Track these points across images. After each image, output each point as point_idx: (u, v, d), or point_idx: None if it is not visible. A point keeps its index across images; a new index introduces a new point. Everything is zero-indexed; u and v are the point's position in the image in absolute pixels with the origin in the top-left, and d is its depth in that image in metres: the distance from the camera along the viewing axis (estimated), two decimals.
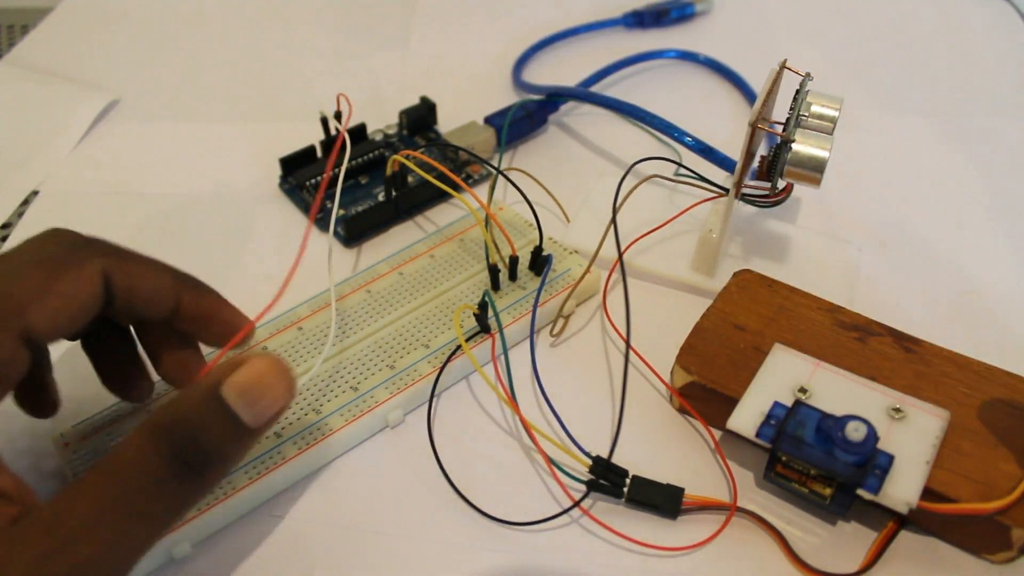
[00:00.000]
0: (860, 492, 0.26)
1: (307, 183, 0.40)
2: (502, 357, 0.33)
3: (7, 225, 0.41)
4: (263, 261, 0.39)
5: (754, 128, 0.31)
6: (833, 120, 0.33)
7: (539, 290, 0.34)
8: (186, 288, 0.27)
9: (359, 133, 0.43)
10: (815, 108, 0.33)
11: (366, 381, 0.32)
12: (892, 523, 0.28)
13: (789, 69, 0.34)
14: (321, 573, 0.28)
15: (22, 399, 0.28)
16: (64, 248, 0.25)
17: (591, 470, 0.29)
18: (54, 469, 0.30)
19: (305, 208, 0.41)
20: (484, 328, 0.33)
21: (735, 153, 0.35)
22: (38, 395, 0.28)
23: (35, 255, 0.25)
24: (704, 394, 0.30)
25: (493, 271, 0.34)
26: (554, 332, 0.35)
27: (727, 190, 0.34)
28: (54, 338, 0.24)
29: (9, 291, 0.23)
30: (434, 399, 0.32)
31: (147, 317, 0.27)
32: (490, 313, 0.33)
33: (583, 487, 0.29)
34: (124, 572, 0.22)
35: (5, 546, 0.21)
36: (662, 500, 0.28)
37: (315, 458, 0.30)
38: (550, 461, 0.29)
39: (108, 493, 0.21)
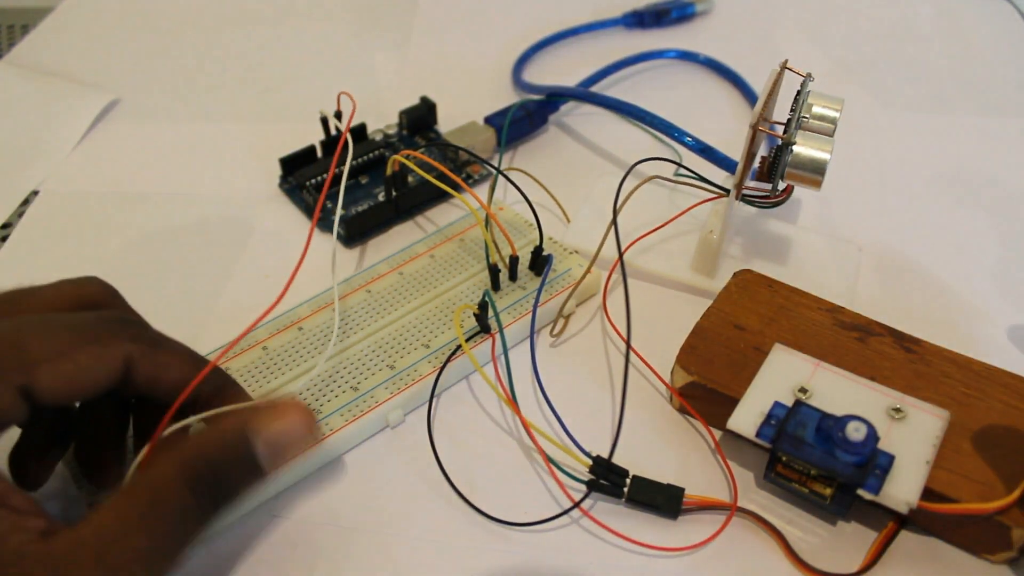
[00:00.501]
0: (860, 492, 0.26)
1: (307, 183, 0.40)
2: (502, 357, 0.33)
3: (7, 225, 0.41)
4: (263, 261, 0.39)
5: (755, 130, 0.31)
6: (834, 121, 0.32)
7: (539, 290, 0.34)
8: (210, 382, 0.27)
9: (359, 133, 0.43)
10: (816, 109, 0.33)
11: (366, 381, 0.32)
12: (892, 523, 0.28)
13: (790, 70, 0.34)
14: (321, 573, 0.28)
15: (14, 460, 0.28)
16: (98, 322, 0.25)
17: (591, 470, 0.29)
18: (54, 490, 0.30)
19: (305, 208, 0.41)
20: (484, 328, 0.33)
21: (735, 153, 0.35)
22: (27, 462, 0.28)
23: (70, 319, 0.25)
24: (704, 394, 0.30)
25: (493, 271, 0.34)
26: (554, 332, 0.35)
27: (727, 190, 0.34)
28: (57, 402, 0.24)
29: (27, 343, 0.23)
30: (434, 399, 0.32)
31: (164, 403, 0.27)
32: (490, 313, 0.33)
33: (583, 487, 0.29)
34: None
35: (51, 568, 0.21)
36: (662, 500, 0.28)
37: (315, 458, 0.30)
38: (550, 461, 0.29)
39: (153, 525, 0.22)
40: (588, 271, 0.34)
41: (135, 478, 0.24)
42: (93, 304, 0.27)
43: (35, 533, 0.21)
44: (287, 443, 0.25)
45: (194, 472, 0.23)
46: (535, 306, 0.33)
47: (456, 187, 0.36)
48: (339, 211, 0.35)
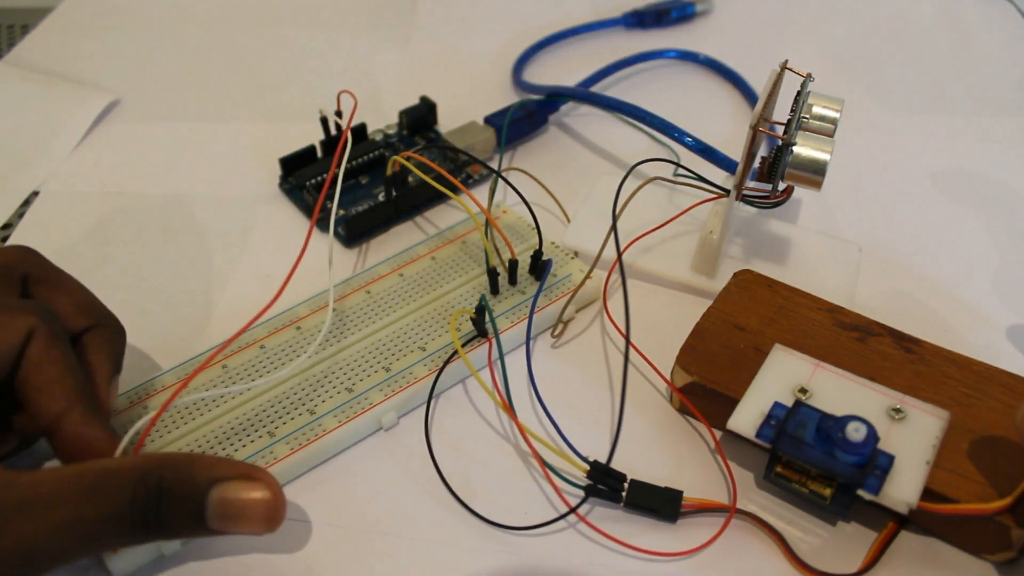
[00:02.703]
0: (860, 492, 0.26)
1: (307, 183, 0.40)
2: (498, 362, 0.33)
3: (8, 225, 0.41)
4: (263, 261, 0.39)
5: (755, 130, 0.31)
6: (834, 121, 0.32)
7: (535, 296, 0.33)
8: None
9: (359, 133, 0.43)
10: (816, 109, 0.33)
11: (361, 383, 0.32)
12: (892, 523, 0.28)
13: (790, 70, 0.34)
14: (320, 573, 0.28)
15: None
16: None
17: (589, 475, 0.29)
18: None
19: (305, 208, 0.41)
20: (481, 332, 0.33)
21: (735, 153, 0.35)
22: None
23: None
24: (704, 394, 0.30)
25: (492, 275, 0.34)
26: (555, 334, 0.35)
27: (727, 191, 0.34)
28: None
29: None
30: (431, 402, 0.32)
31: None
32: (486, 318, 0.33)
33: (581, 492, 0.29)
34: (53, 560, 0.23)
35: None
36: (661, 504, 0.28)
37: (307, 459, 0.30)
38: (545, 466, 0.29)
39: (81, 509, 0.22)
40: (587, 277, 0.34)
41: (88, 462, 0.23)
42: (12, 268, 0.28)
43: None
44: (240, 516, 0.25)
45: (145, 485, 0.23)
46: (531, 313, 0.33)
47: (455, 191, 0.35)
48: (335, 210, 0.34)
